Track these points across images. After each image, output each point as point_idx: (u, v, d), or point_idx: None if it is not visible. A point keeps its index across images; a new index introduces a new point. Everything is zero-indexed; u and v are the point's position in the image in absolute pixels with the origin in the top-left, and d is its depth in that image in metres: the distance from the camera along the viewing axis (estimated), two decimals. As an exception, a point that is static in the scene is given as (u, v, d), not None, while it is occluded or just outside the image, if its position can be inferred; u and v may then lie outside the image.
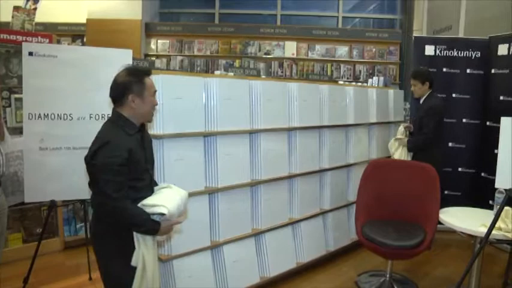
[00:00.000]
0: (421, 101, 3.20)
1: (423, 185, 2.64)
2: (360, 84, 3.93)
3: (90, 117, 2.49)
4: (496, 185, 2.00)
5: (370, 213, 2.72)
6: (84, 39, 5.78)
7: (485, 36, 3.76)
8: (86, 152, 1.55)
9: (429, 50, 3.68)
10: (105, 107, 2.26)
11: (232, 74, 2.66)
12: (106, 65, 2.29)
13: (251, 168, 2.51)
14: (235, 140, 2.36)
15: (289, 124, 2.74)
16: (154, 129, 2.08)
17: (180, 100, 2.10)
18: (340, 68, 6.29)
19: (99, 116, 2.48)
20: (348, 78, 6.24)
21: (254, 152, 2.53)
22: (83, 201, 2.67)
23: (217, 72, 2.72)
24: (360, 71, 6.26)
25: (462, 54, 3.72)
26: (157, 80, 2.00)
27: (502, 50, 3.46)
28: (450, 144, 3.82)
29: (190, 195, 1.97)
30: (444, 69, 3.75)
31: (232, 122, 2.34)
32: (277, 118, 2.64)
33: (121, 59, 2.22)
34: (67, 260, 3.07)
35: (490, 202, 3.11)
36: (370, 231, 2.55)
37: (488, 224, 1.90)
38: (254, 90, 2.51)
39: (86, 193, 2.29)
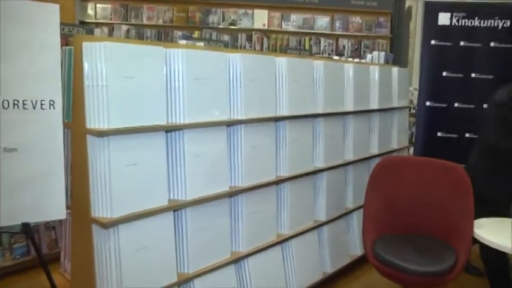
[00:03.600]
0: None
1: (451, 190, 2.46)
2: (357, 60, 3.67)
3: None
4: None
5: (381, 227, 2.53)
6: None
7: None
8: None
9: (443, 18, 3.45)
10: (23, 87, 1.77)
11: (202, 44, 2.33)
12: (17, 24, 1.79)
13: (230, 172, 2.27)
14: (208, 136, 2.12)
15: (277, 112, 2.51)
16: (92, 122, 1.74)
17: (131, 80, 1.79)
18: (320, 42, 6.18)
19: (9, 102, 1.97)
20: (329, 54, 6.16)
21: (233, 150, 2.29)
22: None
23: (182, 42, 2.35)
24: (344, 46, 6.17)
25: (485, 24, 3.49)
26: (97, 49, 1.70)
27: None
28: (467, 135, 3.65)
29: (148, 213, 1.81)
30: (462, 43, 3.53)
31: (205, 111, 2.09)
32: (263, 105, 2.38)
33: (41, 18, 1.74)
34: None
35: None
36: (384, 251, 2.33)
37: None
38: (233, 67, 2.25)
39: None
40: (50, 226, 2.91)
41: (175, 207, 1.99)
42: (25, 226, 1.76)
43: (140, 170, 1.83)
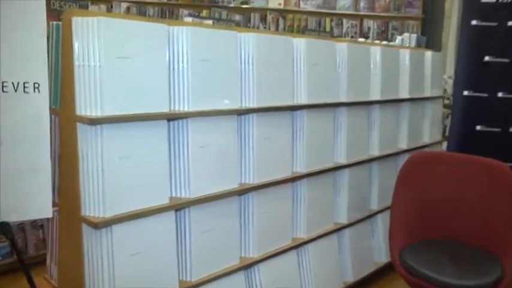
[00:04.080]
0: None
1: (494, 192, 2.42)
2: (386, 43, 3.63)
3: None
4: None
5: (410, 232, 2.51)
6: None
7: None
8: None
9: (489, -6, 3.33)
10: (3, 67, 1.71)
11: (210, 22, 2.35)
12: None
13: (240, 167, 2.27)
14: (216, 125, 2.12)
15: (294, 100, 2.51)
16: (83, 108, 1.73)
17: (128, 61, 1.77)
18: (342, 23, 6.22)
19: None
20: (352, 37, 6.21)
21: (243, 143, 2.29)
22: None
23: (187, 20, 2.33)
24: (369, 28, 6.18)
25: (539, 1, 3.37)
26: (88, 25, 1.69)
27: None
28: (512, 129, 3.55)
29: (146, 212, 1.80)
30: (510, 23, 3.40)
31: (212, 98, 2.09)
32: (278, 91, 2.38)
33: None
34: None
35: None
36: (413, 260, 2.29)
37: None
38: (245, 48, 2.23)
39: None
40: (38, 224, 2.92)
41: (177, 206, 1.99)
42: (4, 226, 1.74)
43: (137, 164, 1.83)
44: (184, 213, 2.04)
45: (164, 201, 1.92)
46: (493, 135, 3.36)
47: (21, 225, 2.81)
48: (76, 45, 1.68)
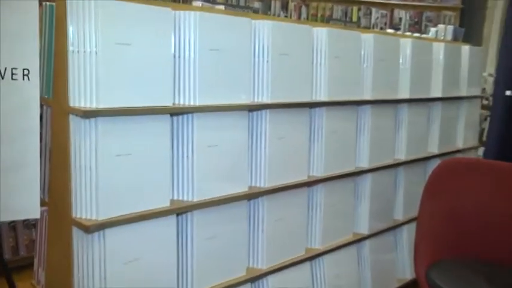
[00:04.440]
0: None
1: None
2: (418, 35, 3.60)
3: None
4: None
5: (439, 247, 2.47)
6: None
7: None
8: None
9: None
10: None
11: (222, 7, 2.34)
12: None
13: (250, 169, 2.28)
14: (224, 122, 2.13)
15: (313, 96, 2.52)
16: (77, 99, 1.74)
17: (128, 48, 1.77)
18: (370, 13, 6.28)
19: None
20: (381, 28, 6.36)
21: (255, 142, 2.30)
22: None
23: (196, 4, 2.33)
24: (400, 19, 6.23)
25: None
26: (85, 6, 1.69)
27: None
28: None
29: (144, 216, 1.81)
30: None
31: (221, 91, 2.10)
32: (295, 86, 2.39)
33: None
34: None
35: None
36: (442, 280, 2.23)
37: None
38: (259, 37, 2.24)
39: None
40: (30, 223, 2.95)
41: (179, 210, 2.00)
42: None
43: (136, 162, 1.83)
44: (187, 218, 2.05)
45: (164, 204, 1.93)
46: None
47: (13, 224, 2.84)
48: (70, 29, 1.67)
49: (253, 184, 2.26)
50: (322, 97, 2.49)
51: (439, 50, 3.30)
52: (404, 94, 3.04)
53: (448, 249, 2.48)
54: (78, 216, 1.72)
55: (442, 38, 3.54)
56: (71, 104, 1.70)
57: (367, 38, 2.75)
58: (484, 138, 3.98)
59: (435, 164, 2.81)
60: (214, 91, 2.02)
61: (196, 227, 2.05)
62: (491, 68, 4.90)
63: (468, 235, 2.51)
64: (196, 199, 2.00)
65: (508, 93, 3.27)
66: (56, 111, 1.82)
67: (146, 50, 1.81)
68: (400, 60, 3.02)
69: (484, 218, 2.53)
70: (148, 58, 1.82)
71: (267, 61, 2.21)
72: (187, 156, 2.01)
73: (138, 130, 1.81)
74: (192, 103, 1.97)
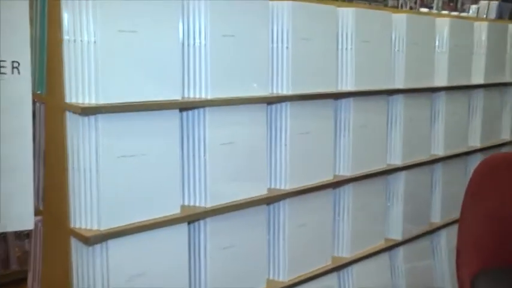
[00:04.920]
0: None
1: None
2: (456, 14, 3.55)
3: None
4: None
5: (485, 254, 2.46)
6: None
7: None
8: None
9: None
10: None
11: None
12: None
13: (269, 169, 2.32)
14: (239, 117, 2.15)
15: (338, 86, 2.53)
16: (74, 94, 1.74)
17: (130, 36, 1.77)
18: None
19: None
20: (411, 7, 6.26)
21: (274, 138, 2.33)
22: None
23: None
24: None
25: None
26: None
27: None
28: None
29: (152, 225, 1.82)
30: None
31: (236, 82, 2.12)
32: (318, 75, 2.39)
33: None
34: None
35: None
36: None
37: None
38: (277, 19, 2.27)
39: None
40: (23, 234, 3.00)
41: (191, 218, 2.02)
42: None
43: (141, 164, 1.83)
44: (199, 226, 2.07)
45: (174, 211, 1.94)
46: None
47: (3, 235, 2.89)
48: (65, 16, 1.67)
49: (272, 186, 2.28)
50: (349, 87, 2.52)
51: (481, 30, 3.33)
52: (442, 81, 3.05)
53: (495, 256, 2.48)
54: (77, 226, 1.72)
55: (484, 16, 3.52)
56: (67, 100, 1.69)
57: (399, 19, 2.78)
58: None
59: (477, 159, 2.85)
60: (228, 82, 2.04)
61: (210, 236, 2.06)
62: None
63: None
64: (209, 205, 2.01)
65: None
66: (50, 108, 1.83)
67: (151, 38, 1.81)
68: (437, 43, 3.04)
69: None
70: (154, 47, 1.83)
71: (287, 47, 2.21)
72: (199, 156, 2.02)
73: (143, 128, 1.83)
74: (203, 96, 1.98)
